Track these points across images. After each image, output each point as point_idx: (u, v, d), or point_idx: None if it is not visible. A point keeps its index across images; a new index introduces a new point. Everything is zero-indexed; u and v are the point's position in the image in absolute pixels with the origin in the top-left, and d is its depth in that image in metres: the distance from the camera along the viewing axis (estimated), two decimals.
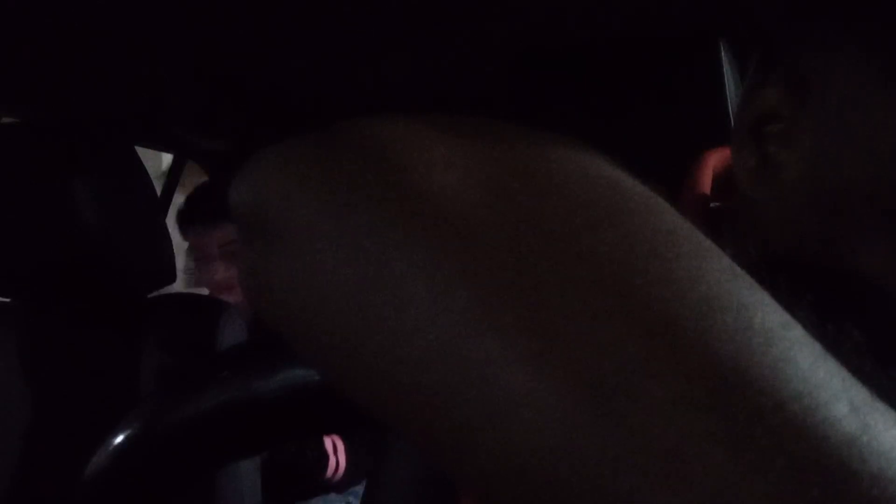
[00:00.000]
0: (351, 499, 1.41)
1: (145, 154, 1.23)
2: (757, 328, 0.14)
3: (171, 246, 1.19)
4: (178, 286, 1.36)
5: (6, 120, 1.17)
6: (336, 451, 1.35)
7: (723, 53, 0.95)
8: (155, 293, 1.18)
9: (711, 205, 0.43)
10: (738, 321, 0.14)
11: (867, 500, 0.12)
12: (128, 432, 0.35)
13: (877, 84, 0.33)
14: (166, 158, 1.65)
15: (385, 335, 0.16)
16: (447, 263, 0.16)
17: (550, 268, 0.15)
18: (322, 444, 1.33)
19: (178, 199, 1.56)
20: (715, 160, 0.45)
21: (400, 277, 0.16)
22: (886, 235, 0.33)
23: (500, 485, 0.15)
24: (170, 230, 1.23)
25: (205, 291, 1.39)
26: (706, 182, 0.44)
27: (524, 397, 0.14)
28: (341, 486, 1.39)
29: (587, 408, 0.14)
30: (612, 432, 0.13)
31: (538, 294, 0.15)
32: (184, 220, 1.41)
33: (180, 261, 1.23)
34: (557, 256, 0.15)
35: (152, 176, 1.18)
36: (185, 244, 1.44)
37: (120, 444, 0.34)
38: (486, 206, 0.16)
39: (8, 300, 1.15)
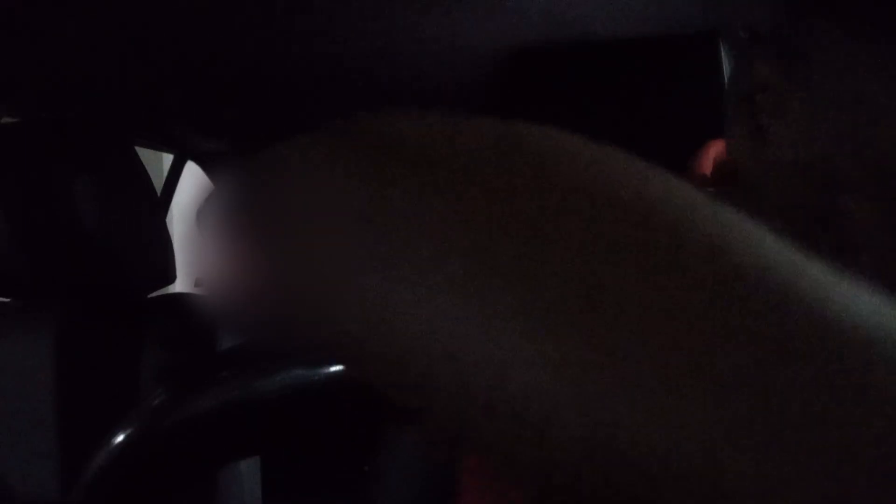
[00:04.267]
0: None
1: (145, 154, 1.23)
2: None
3: (172, 246, 1.19)
4: (178, 286, 1.36)
5: (6, 120, 1.17)
6: None
7: (722, 52, 0.95)
8: (155, 293, 1.18)
9: (708, 190, 0.44)
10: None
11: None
12: (128, 432, 0.35)
13: (864, 55, 0.34)
14: (166, 158, 1.65)
15: (390, 312, 0.16)
16: (449, 263, 0.16)
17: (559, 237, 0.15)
18: None
19: (178, 199, 1.56)
20: (716, 149, 0.46)
21: (409, 272, 0.16)
22: (871, 203, 0.34)
23: (498, 436, 0.15)
24: (170, 230, 1.23)
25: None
26: (707, 168, 0.45)
27: (523, 353, 0.15)
28: None
29: (587, 365, 0.14)
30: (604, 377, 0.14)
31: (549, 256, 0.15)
32: None
33: (180, 261, 1.23)
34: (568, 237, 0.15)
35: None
36: (185, 244, 1.43)
37: (120, 444, 0.34)
38: (492, 203, 0.16)
39: (8, 300, 1.15)
